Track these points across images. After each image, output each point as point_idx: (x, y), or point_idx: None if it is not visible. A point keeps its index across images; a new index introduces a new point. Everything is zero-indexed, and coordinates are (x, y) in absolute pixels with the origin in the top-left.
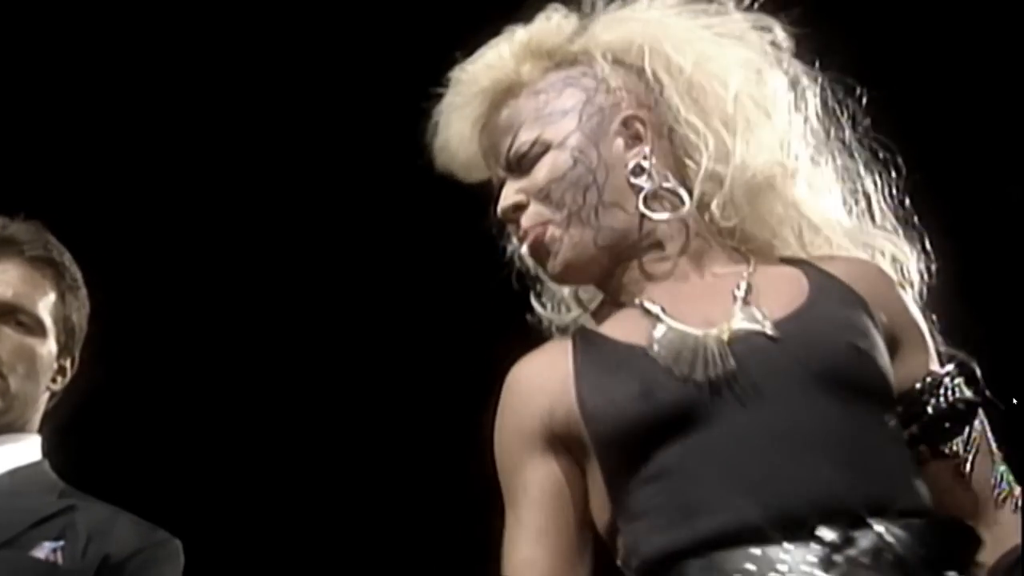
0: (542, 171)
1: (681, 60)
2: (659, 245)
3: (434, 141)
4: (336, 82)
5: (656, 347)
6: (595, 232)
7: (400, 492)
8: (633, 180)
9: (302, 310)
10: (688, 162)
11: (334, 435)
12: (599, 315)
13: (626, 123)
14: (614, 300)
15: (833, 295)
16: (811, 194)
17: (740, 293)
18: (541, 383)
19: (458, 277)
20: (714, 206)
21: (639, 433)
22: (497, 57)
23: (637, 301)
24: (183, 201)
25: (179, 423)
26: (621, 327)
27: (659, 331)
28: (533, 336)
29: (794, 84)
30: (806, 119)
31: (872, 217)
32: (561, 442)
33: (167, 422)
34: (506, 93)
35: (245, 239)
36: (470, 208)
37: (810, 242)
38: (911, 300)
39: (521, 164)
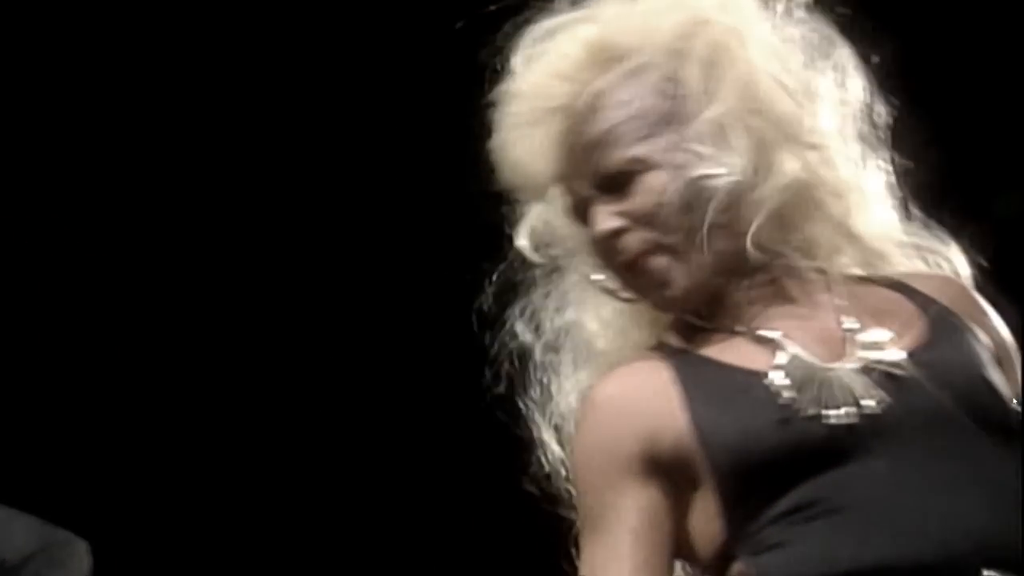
0: (644, 194)
1: (757, 53)
2: (764, 266)
3: (501, 161)
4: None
5: (782, 376)
6: (709, 257)
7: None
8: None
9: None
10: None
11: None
12: (689, 336)
13: (714, 128)
14: (710, 323)
15: (950, 325)
16: (865, 199)
17: (853, 324)
18: (641, 405)
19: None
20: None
21: (777, 467)
22: (569, 65)
23: (741, 327)
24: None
25: (87, 420)
26: (730, 352)
27: (782, 359)
28: None
29: (839, 78)
30: (854, 115)
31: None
32: (662, 468)
33: (73, 419)
34: (588, 106)
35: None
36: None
37: (877, 255)
38: (994, 312)
39: (616, 184)
